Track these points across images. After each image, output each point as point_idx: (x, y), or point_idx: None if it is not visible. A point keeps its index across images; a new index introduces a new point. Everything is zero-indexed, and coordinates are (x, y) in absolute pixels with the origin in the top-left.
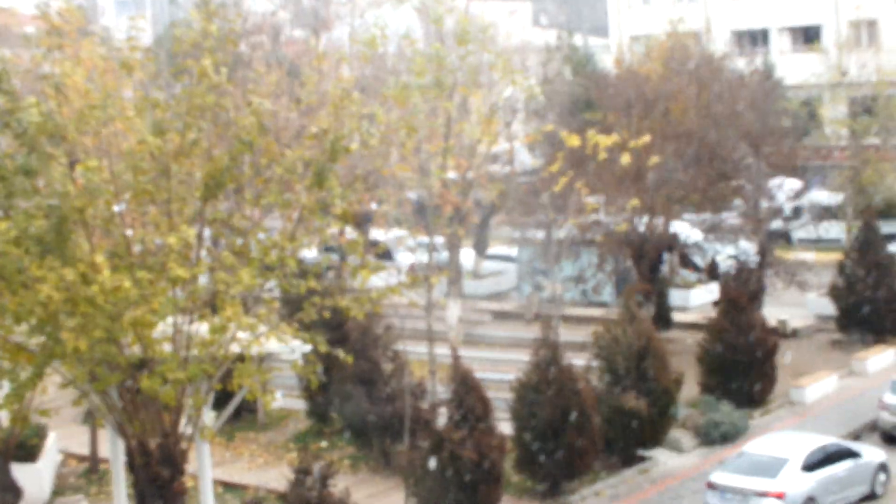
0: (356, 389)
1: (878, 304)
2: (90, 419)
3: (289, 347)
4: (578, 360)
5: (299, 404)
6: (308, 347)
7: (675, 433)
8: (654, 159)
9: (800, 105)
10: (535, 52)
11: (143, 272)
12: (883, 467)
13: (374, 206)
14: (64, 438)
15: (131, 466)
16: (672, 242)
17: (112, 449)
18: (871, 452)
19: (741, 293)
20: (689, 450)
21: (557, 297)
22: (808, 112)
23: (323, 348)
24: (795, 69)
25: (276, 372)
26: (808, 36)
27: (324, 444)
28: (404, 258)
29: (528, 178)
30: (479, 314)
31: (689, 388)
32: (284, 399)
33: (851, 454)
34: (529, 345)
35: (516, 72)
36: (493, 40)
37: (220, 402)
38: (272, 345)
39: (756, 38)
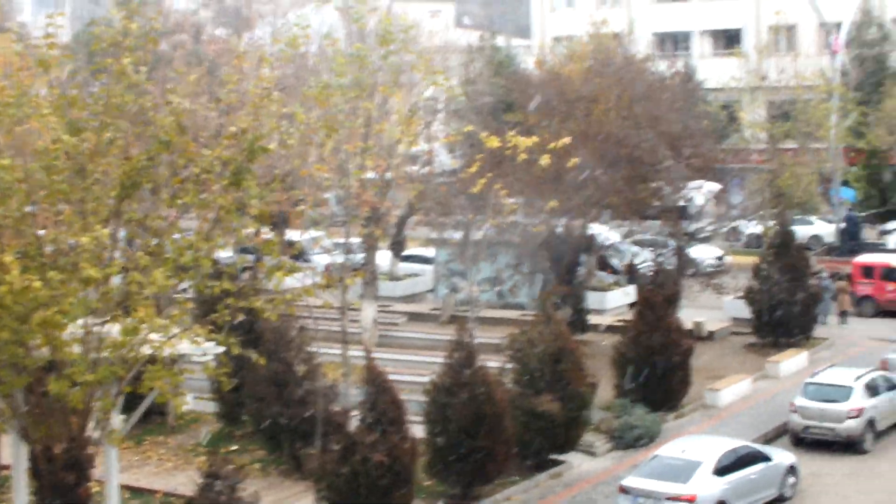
0: (268, 392)
1: (792, 308)
2: None
3: (201, 349)
4: (494, 363)
5: (210, 407)
6: (221, 349)
7: (590, 437)
8: (574, 161)
9: (720, 108)
10: (458, 53)
11: (54, 272)
12: (792, 470)
13: (292, 206)
14: None
15: (34, 472)
16: (590, 244)
17: (14, 454)
18: (782, 455)
19: (657, 295)
20: (603, 453)
21: (473, 298)
22: (728, 115)
23: (236, 350)
24: (716, 72)
25: (187, 374)
26: (729, 40)
27: (234, 447)
28: (320, 259)
29: (446, 179)
30: (395, 316)
31: (605, 391)
32: (195, 402)
33: (762, 457)
34: (444, 347)
35: (437, 72)
36: (415, 40)
37: (130, 404)
38: (184, 346)
39: (678, 41)
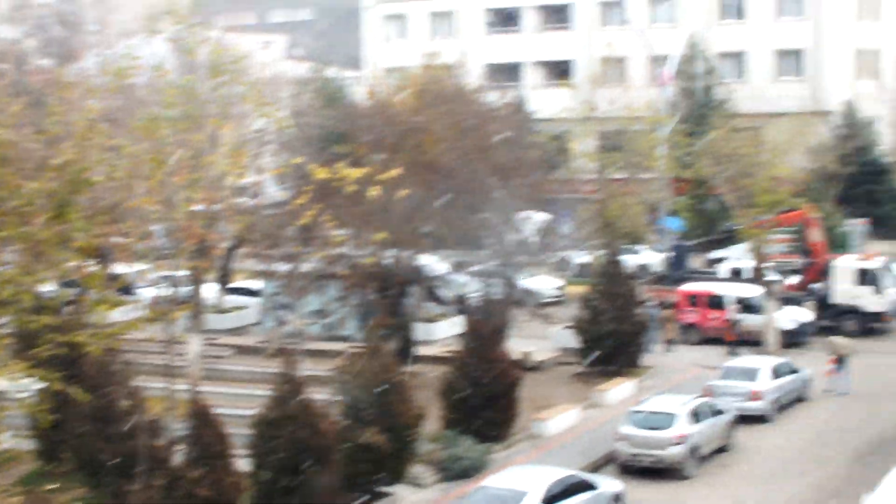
0: (90, 427)
1: (620, 337)
2: None
3: (20, 385)
4: (321, 395)
5: (28, 444)
6: (41, 385)
7: (417, 468)
8: (403, 192)
9: (551, 138)
10: (288, 84)
11: None
12: (618, 498)
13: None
14: None
15: None
16: (418, 276)
17: None
18: (608, 483)
19: (485, 326)
20: (430, 485)
21: (300, 331)
22: (559, 145)
23: (57, 386)
24: (548, 103)
25: (5, 411)
26: (560, 71)
27: (54, 485)
28: (147, 292)
29: (275, 211)
30: (221, 349)
31: (433, 423)
32: (12, 439)
33: (589, 486)
34: (271, 379)
35: (267, 103)
36: (246, 72)
37: None
38: (1, 383)
39: (510, 72)
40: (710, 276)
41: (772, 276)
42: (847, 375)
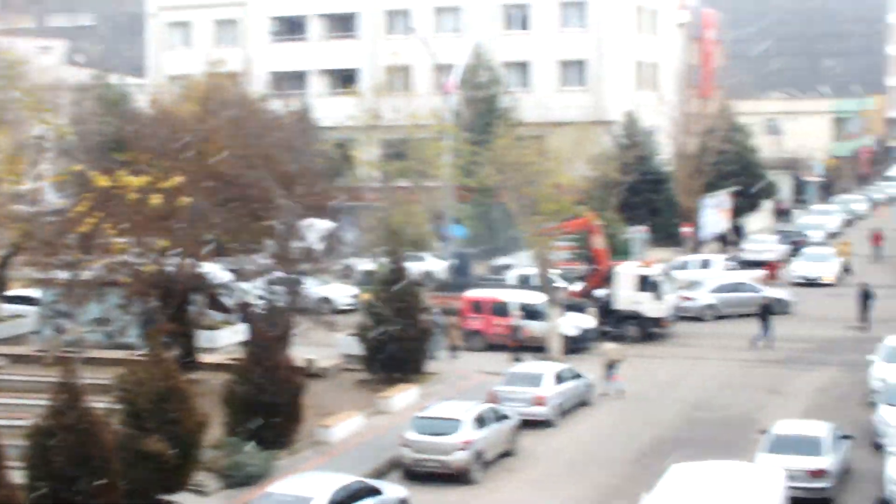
0: None
1: (404, 344)
2: None
3: None
4: (101, 403)
5: None
6: None
7: (200, 476)
8: (184, 200)
9: (335, 146)
10: (69, 91)
11: None
12: (403, 503)
13: None
14: None
15: None
16: (201, 283)
17: None
18: (393, 489)
19: (268, 333)
20: (214, 493)
21: (80, 339)
22: (343, 153)
23: None
24: (332, 111)
25: None
26: (345, 79)
27: None
28: None
29: (54, 218)
30: None
31: (216, 430)
32: None
33: (374, 492)
34: (49, 389)
35: (45, 110)
36: (24, 77)
37: None
38: None
39: (295, 81)
40: (497, 283)
41: (557, 283)
42: (620, 380)
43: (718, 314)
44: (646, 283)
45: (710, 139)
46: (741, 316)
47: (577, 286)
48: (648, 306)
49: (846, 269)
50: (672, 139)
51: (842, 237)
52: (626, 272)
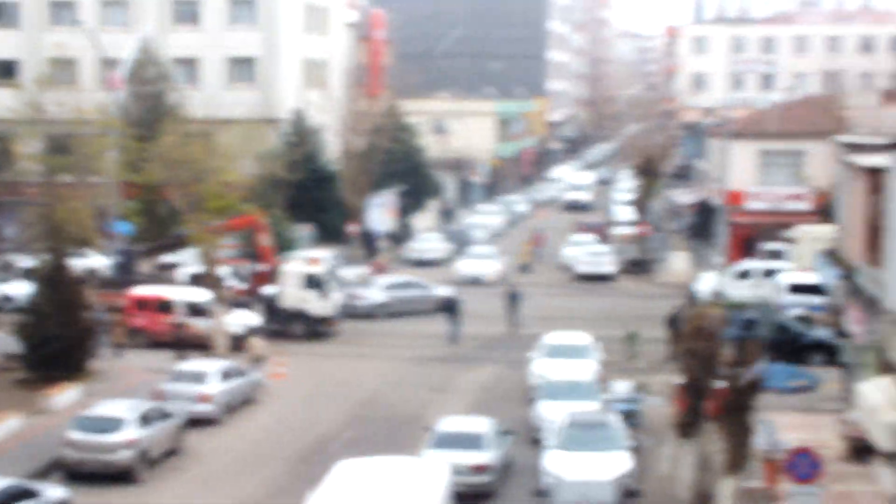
0: None
1: (66, 342)
2: None
3: None
4: None
5: None
6: None
7: None
8: None
9: None
10: None
11: None
12: None
13: None
14: None
15: None
16: None
17: None
18: (53, 490)
19: None
20: None
21: None
22: (2, 147)
23: None
24: None
25: None
26: (5, 70)
27: None
28: None
29: None
30: None
31: None
32: None
33: (31, 493)
34: None
35: None
36: None
37: None
38: None
39: None
40: (162, 280)
41: (225, 280)
42: (262, 374)
43: (390, 312)
44: (311, 282)
45: (377, 138)
46: (413, 314)
47: (244, 284)
48: (314, 305)
49: (524, 269)
50: (340, 138)
51: (506, 237)
52: (291, 270)
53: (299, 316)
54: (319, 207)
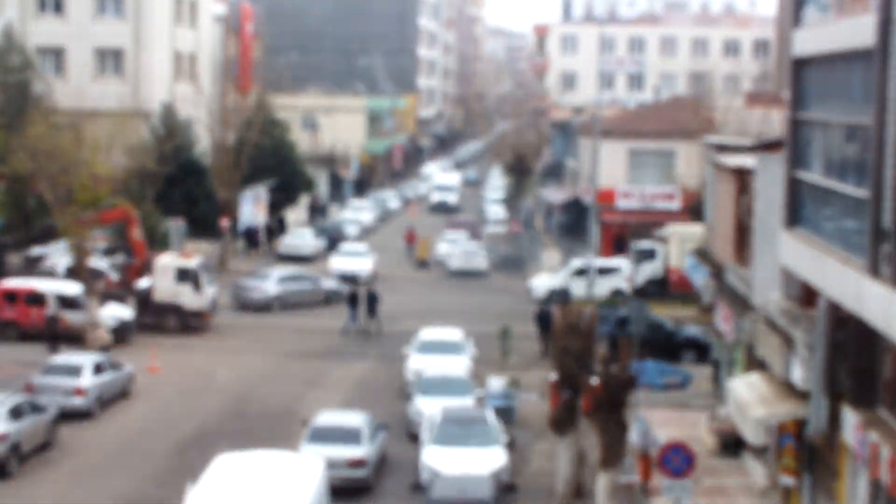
0: None
1: None
2: None
3: None
4: None
5: None
6: None
7: None
8: None
9: None
10: None
11: None
12: None
13: None
14: None
15: None
16: None
17: None
18: None
19: None
20: None
21: None
22: None
23: None
24: None
25: None
26: None
27: None
28: None
29: None
30: None
31: None
32: None
33: None
34: None
35: None
36: None
37: None
38: None
39: None
40: (33, 273)
41: (99, 273)
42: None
43: (284, 305)
44: (185, 275)
45: (247, 132)
46: (305, 307)
47: (117, 276)
48: (188, 298)
49: (422, 265)
50: (210, 131)
51: (377, 233)
52: (164, 264)
53: (173, 309)
54: (191, 201)
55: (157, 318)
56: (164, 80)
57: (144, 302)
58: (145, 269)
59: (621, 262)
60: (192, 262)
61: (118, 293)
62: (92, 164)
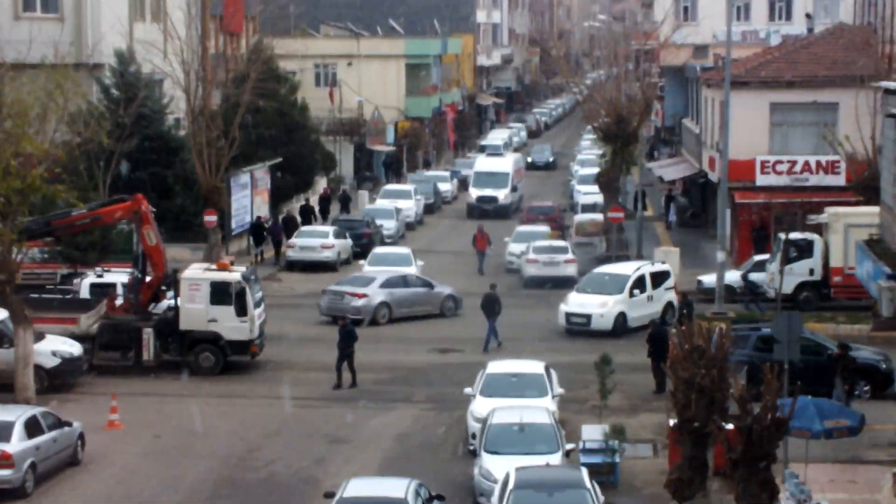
0: None
1: None
2: None
3: None
4: None
5: None
6: None
7: None
8: None
9: None
10: None
11: None
12: None
13: None
14: None
15: None
16: None
17: None
18: None
19: None
20: None
21: None
22: None
23: None
24: None
25: None
26: None
27: None
28: None
29: None
30: None
31: None
32: None
33: None
34: None
35: None
36: None
37: None
38: None
39: None
40: None
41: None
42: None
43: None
44: (223, 292)
45: (240, 92)
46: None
47: (120, 299)
48: (229, 324)
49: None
50: (186, 92)
51: (428, 229)
52: (193, 277)
53: (208, 340)
54: (163, 190)
55: (183, 354)
56: (119, 18)
57: (166, 332)
58: (164, 285)
59: (667, 266)
60: (234, 275)
61: (125, 322)
62: (18, 138)
